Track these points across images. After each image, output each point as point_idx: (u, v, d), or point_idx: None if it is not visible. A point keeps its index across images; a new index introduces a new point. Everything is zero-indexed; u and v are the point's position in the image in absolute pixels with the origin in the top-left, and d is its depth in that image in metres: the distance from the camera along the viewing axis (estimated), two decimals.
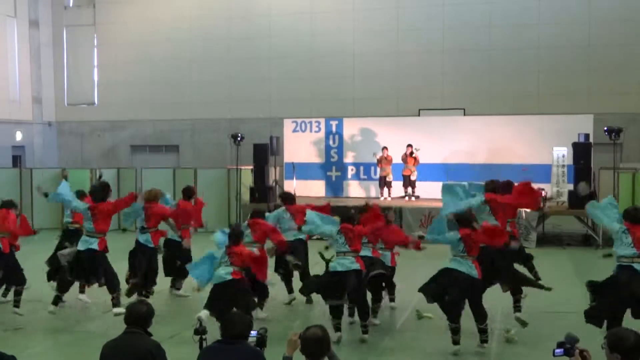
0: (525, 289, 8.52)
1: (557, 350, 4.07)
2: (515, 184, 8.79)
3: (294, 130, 19.86)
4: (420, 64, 21.57)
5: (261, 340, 4.63)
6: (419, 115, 21.00)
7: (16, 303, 9.18)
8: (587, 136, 16.33)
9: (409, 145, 17.55)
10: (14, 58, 24.26)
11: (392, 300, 9.57)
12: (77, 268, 8.82)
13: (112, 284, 8.76)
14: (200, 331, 5.06)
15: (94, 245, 8.74)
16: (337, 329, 7.94)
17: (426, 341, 8.12)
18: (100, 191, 9.29)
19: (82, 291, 9.69)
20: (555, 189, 16.30)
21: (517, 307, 8.43)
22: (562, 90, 20.18)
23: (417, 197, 17.71)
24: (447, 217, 8.08)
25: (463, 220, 7.77)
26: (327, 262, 8.44)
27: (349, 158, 19.47)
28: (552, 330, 7.97)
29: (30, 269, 9.91)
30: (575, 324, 7.42)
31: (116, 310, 8.53)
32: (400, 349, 8.04)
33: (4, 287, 9.73)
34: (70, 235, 10.19)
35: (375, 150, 18.08)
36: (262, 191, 17.37)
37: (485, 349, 7.62)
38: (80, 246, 8.84)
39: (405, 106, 21.22)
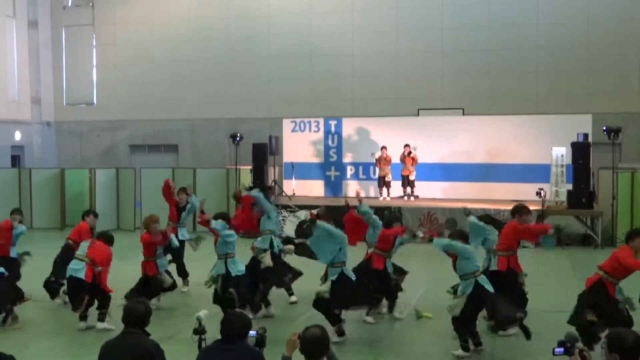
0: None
1: (557, 350, 4.08)
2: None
3: (293, 130, 19.85)
4: (419, 64, 21.56)
5: (260, 340, 4.63)
6: (418, 115, 21.00)
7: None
8: (586, 136, 16.32)
9: (407, 145, 17.54)
10: (12, 58, 24.24)
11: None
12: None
13: (102, 302, 8.70)
14: (200, 331, 5.06)
15: (81, 274, 8.55)
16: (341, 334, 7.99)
17: (425, 341, 8.11)
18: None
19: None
20: (554, 188, 16.30)
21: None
22: (561, 90, 20.18)
23: (416, 197, 17.70)
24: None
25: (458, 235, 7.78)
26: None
27: (347, 158, 19.46)
28: (551, 329, 7.97)
29: (29, 269, 9.92)
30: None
31: (100, 325, 8.55)
32: (399, 349, 8.03)
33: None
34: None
35: (374, 150, 18.08)
36: (261, 191, 17.32)
37: (483, 350, 7.61)
38: (70, 272, 8.65)
39: (404, 106, 21.21)
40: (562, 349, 4.05)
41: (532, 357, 7.53)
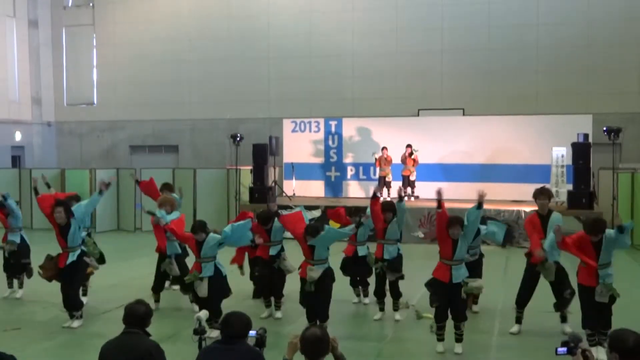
0: None
1: (560, 349, 4.09)
2: None
3: (293, 131, 19.86)
4: (419, 64, 21.56)
5: (260, 341, 4.62)
6: (418, 115, 21.00)
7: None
8: (586, 136, 16.32)
9: (408, 146, 17.55)
10: (13, 58, 24.25)
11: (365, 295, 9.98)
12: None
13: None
14: (200, 331, 5.04)
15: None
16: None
17: (425, 341, 8.10)
18: None
19: (84, 293, 9.75)
20: (555, 189, 16.29)
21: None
22: (561, 90, 20.18)
23: (417, 197, 17.71)
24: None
25: None
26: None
27: (348, 158, 19.47)
28: (552, 329, 7.97)
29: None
30: (577, 323, 7.43)
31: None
32: (399, 349, 8.03)
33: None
34: None
35: (374, 150, 18.08)
36: (262, 191, 17.34)
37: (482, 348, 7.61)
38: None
39: (404, 106, 21.21)
40: (565, 349, 4.06)
41: (533, 356, 7.51)
